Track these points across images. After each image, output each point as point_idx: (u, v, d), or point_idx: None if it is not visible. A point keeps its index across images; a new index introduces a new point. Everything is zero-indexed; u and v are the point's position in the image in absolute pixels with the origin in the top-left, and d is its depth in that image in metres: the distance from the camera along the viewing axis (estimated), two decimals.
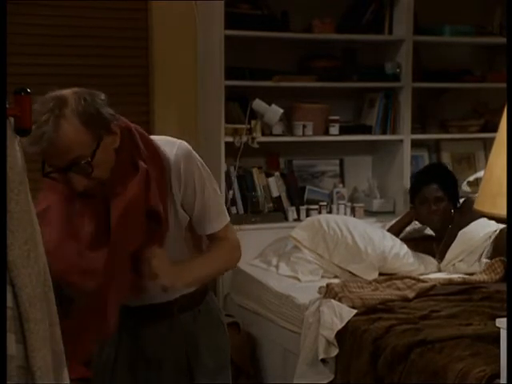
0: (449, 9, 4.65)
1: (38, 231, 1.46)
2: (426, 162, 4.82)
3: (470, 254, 3.92)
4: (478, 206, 1.87)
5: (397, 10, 4.50)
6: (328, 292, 3.47)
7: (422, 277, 3.76)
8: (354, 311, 3.29)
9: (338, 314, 3.28)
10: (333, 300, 3.37)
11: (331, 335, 3.24)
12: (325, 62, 4.43)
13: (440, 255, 4.06)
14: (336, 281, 3.73)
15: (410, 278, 3.69)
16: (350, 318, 3.26)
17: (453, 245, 3.98)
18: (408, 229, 4.29)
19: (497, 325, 2.40)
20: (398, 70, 4.49)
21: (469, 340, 2.93)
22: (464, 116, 4.85)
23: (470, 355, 2.80)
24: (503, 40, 4.35)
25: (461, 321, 3.16)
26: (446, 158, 4.87)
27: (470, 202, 4.00)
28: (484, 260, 3.88)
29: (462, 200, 4.22)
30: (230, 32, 4.09)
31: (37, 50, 4.10)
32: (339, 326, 3.25)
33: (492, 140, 4.72)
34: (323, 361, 3.29)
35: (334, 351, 3.24)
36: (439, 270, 4.00)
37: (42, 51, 4.12)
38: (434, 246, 4.13)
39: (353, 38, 4.47)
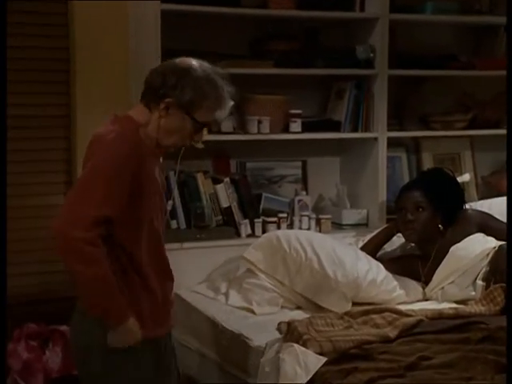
0: None
1: None
2: (405, 163, 4.63)
3: (463, 274, 3.62)
4: None
5: None
6: (290, 333, 3.03)
7: (405, 308, 3.35)
8: (323, 359, 2.85)
9: (303, 363, 2.86)
10: (295, 344, 2.93)
11: None
12: (283, 44, 4.17)
13: (426, 277, 3.71)
14: (299, 313, 3.43)
15: (390, 311, 3.28)
16: (317, 368, 2.82)
17: (442, 264, 3.67)
18: (388, 244, 3.97)
19: None
20: (371, 55, 4.22)
21: None
22: (448, 110, 4.59)
23: None
24: (493, 19, 4.38)
25: (460, 373, 2.72)
26: (427, 159, 4.65)
27: (465, 215, 3.74)
28: (479, 282, 3.57)
29: None
30: (167, 6, 3.79)
31: None
32: (304, 378, 2.82)
33: (480, 138, 4.69)
34: None
35: None
36: (425, 298, 3.66)
37: None
38: (419, 266, 3.78)
39: (317, 16, 4.19)
